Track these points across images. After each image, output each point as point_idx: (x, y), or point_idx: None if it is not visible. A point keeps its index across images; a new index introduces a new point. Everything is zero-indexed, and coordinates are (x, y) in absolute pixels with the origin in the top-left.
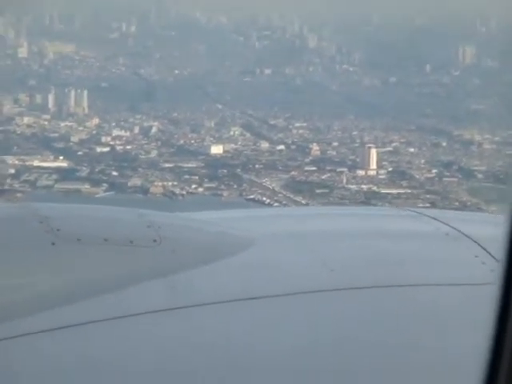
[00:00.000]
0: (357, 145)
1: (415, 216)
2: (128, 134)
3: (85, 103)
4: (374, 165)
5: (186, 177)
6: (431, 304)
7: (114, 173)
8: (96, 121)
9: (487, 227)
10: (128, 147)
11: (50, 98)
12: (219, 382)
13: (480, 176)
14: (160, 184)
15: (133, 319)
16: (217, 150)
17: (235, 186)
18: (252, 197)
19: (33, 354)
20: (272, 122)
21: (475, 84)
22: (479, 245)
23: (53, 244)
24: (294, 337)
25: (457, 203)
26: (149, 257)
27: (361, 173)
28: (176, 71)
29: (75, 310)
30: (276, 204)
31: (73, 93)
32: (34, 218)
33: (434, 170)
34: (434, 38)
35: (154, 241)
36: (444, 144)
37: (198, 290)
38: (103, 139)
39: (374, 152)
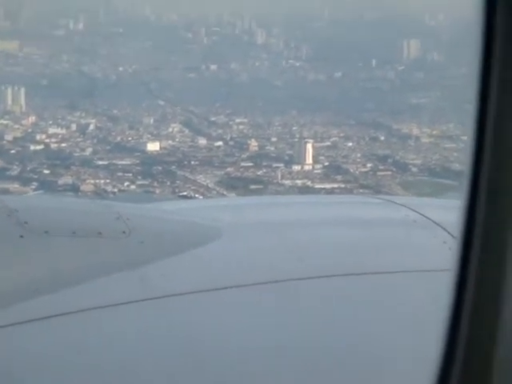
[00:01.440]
0: (296, 140)
1: (383, 203)
2: (64, 131)
3: (22, 101)
4: (310, 160)
5: (120, 174)
6: (399, 291)
7: (46, 171)
8: (32, 119)
9: (455, 213)
10: (63, 145)
11: None
12: (190, 373)
13: (414, 169)
14: (92, 182)
15: (102, 311)
16: (153, 146)
17: (168, 183)
18: (185, 193)
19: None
20: (213, 119)
21: (419, 78)
22: (446, 231)
23: (21, 237)
24: (264, 326)
25: (388, 197)
26: (118, 248)
27: (297, 168)
28: (120, 68)
29: (44, 302)
30: None
31: (9, 90)
32: (1, 211)
33: (369, 164)
34: (382, 33)
35: (123, 232)
36: (382, 138)
37: (167, 281)
38: (38, 137)
39: (309, 147)
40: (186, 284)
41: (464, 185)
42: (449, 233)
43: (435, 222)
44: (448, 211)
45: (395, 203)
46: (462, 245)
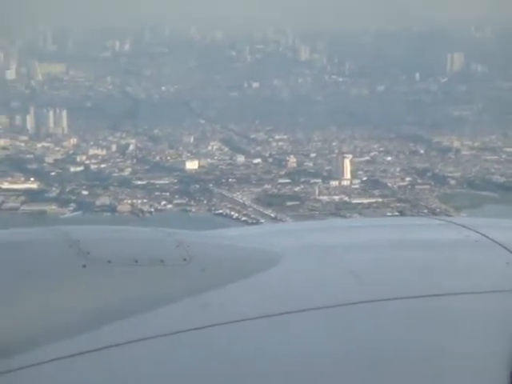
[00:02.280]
0: (334, 155)
1: (443, 224)
2: (104, 152)
3: (64, 123)
4: (347, 175)
5: (157, 194)
6: (464, 313)
7: (84, 192)
8: (74, 140)
9: None
10: (102, 166)
11: (29, 119)
12: None
13: (453, 182)
14: (129, 202)
15: (166, 339)
16: (192, 165)
17: (205, 202)
18: (220, 211)
19: (66, 378)
20: (252, 136)
21: (462, 91)
22: (509, 251)
23: (84, 266)
24: (330, 350)
25: (426, 210)
26: (179, 276)
27: (334, 183)
28: (163, 88)
29: (108, 332)
30: (244, 218)
31: (51, 113)
32: (63, 242)
33: (408, 178)
34: (427, 46)
35: (184, 259)
36: (421, 151)
37: (229, 308)
38: (78, 158)
39: (347, 162)
40: (248, 310)
41: None
42: (511, 252)
43: (497, 242)
44: (509, 231)
45: (455, 224)
46: None
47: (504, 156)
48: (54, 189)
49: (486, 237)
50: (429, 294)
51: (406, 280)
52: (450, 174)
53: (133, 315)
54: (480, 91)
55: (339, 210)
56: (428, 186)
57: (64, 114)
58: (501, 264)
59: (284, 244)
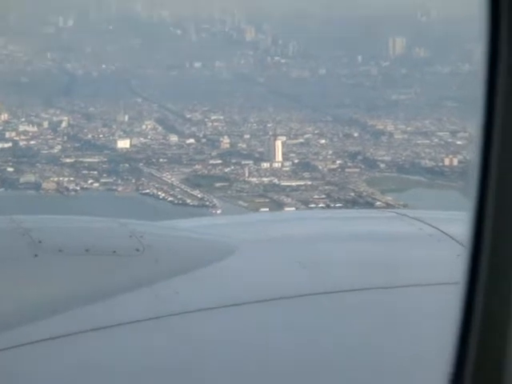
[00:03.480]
0: (268, 137)
1: (397, 217)
2: (36, 128)
3: None
4: (279, 157)
5: (85, 172)
6: (414, 304)
7: (10, 169)
8: (5, 116)
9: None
10: (32, 142)
11: None
12: None
13: (382, 166)
14: (55, 180)
15: (117, 329)
16: (123, 144)
17: (133, 181)
18: (147, 191)
19: (17, 366)
20: (188, 116)
21: (401, 75)
22: (460, 244)
23: (35, 256)
24: (277, 342)
25: (352, 194)
26: (132, 266)
27: (265, 165)
28: (103, 65)
29: (60, 321)
30: (170, 198)
31: None
32: (15, 231)
33: (339, 161)
34: (371, 30)
35: (137, 250)
36: (355, 135)
37: (181, 298)
38: (7, 135)
39: (279, 144)
40: (199, 301)
41: (472, 195)
42: (463, 246)
43: (449, 236)
44: (460, 224)
45: (409, 217)
46: (471, 254)
47: (436, 140)
48: None
49: (439, 230)
50: (379, 287)
51: (356, 272)
52: (380, 158)
53: (84, 305)
54: (419, 76)
55: (266, 192)
56: (358, 170)
57: None
58: (452, 256)
59: (237, 235)
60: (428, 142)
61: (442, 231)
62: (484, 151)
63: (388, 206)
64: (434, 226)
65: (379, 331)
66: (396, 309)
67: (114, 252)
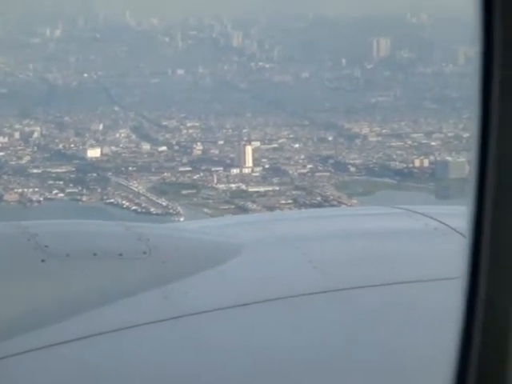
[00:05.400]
0: (243, 143)
1: (403, 213)
2: (6, 139)
3: None
4: (249, 163)
5: (51, 182)
6: (423, 300)
7: None
8: None
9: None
10: (0, 154)
11: None
12: None
13: (352, 169)
14: (18, 191)
15: (127, 332)
16: (93, 153)
17: (99, 190)
18: (112, 200)
19: (26, 371)
20: (164, 123)
21: (384, 77)
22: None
23: (42, 261)
24: (287, 341)
25: (319, 198)
26: (140, 269)
27: (235, 171)
28: (85, 74)
29: (69, 325)
30: (134, 207)
31: None
32: (22, 236)
33: (310, 165)
34: (358, 32)
35: (144, 253)
36: (330, 138)
37: (190, 300)
38: None
39: (249, 150)
40: (208, 301)
41: (470, 191)
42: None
43: (455, 229)
44: (464, 218)
45: (415, 212)
46: (472, 247)
47: (409, 142)
48: None
49: (445, 224)
50: (389, 283)
51: (367, 269)
52: (351, 161)
53: (92, 309)
54: (403, 77)
55: (233, 198)
56: (327, 174)
57: None
58: (459, 251)
59: (244, 236)
60: (401, 143)
61: (447, 225)
62: (481, 147)
63: None
64: (439, 221)
65: (390, 328)
66: (412, 302)
67: (121, 255)
